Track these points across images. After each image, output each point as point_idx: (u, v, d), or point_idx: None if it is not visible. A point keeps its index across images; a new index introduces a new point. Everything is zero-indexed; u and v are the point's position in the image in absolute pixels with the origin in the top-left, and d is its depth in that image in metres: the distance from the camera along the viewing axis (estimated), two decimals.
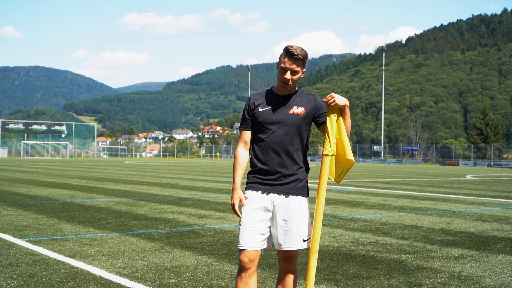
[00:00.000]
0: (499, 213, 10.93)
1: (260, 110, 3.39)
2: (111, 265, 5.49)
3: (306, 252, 6.31)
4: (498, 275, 5.34)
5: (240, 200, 3.37)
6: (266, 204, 3.34)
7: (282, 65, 3.32)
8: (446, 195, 15.49)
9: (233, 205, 3.39)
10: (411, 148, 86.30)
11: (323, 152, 3.28)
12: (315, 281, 4.94)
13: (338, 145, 3.29)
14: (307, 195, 3.44)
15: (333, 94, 3.27)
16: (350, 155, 3.25)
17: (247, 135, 3.45)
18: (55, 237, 7.13)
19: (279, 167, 3.35)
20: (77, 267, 5.38)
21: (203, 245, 6.70)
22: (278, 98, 3.42)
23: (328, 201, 12.66)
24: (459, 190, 18.12)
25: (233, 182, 3.42)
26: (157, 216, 9.55)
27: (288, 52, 3.30)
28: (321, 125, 3.42)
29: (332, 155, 3.30)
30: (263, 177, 3.37)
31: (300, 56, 3.30)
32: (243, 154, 3.45)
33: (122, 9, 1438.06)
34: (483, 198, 14.71)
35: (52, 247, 6.42)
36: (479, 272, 5.44)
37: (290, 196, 3.36)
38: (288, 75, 3.32)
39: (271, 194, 3.35)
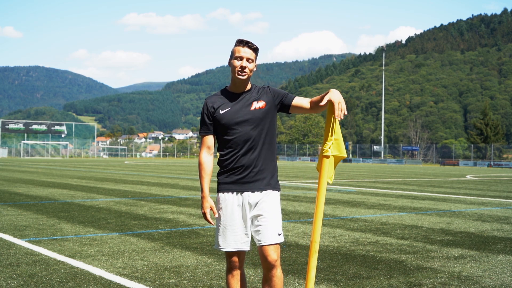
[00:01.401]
0: (499, 213, 10.93)
1: (221, 112, 3.36)
2: (111, 265, 5.49)
3: (306, 252, 6.31)
4: (498, 275, 5.33)
5: (211, 208, 3.39)
6: (241, 203, 3.35)
7: (237, 54, 3.34)
8: (446, 195, 15.49)
9: (204, 214, 3.40)
10: (411, 148, 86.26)
11: (323, 154, 3.27)
12: (315, 281, 4.94)
13: (336, 145, 3.30)
14: (279, 190, 3.45)
15: (341, 107, 3.13)
16: (344, 152, 3.31)
17: (209, 139, 3.44)
18: (55, 237, 7.14)
19: (250, 165, 3.34)
20: (77, 267, 5.38)
21: (203, 245, 6.70)
22: (236, 96, 3.40)
23: (328, 201, 12.66)
24: (459, 190, 18.12)
25: (202, 190, 3.42)
26: (157, 216, 9.55)
27: (242, 42, 3.36)
28: (290, 106, 3.39)
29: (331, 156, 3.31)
30: (235, 176, 3.36)
31: (253, 46, 3.36)
32: (207, 159, 3.44)
33: (122, 9, 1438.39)
34: (483, 198, 14.71)
35: (52, 247, 6.42)
36: (479, 272, 5.44)
37: (264, 192, 3.35)
38: (244, 62, 3.32)
39: (245, 193, 3.35)
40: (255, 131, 3.33)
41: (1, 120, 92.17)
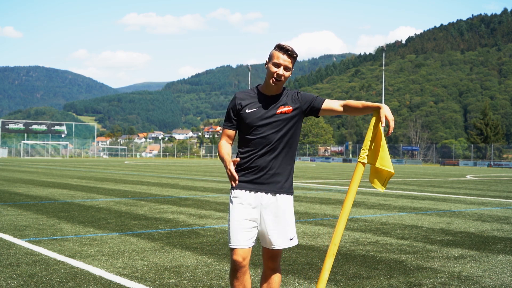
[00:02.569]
0: (499, 213, 10.93)
1: (247, 111, 3.36)
2: (111, 265, 5.49)
3: (306, 252, 6.31)
4: (498, 275, 5.33)
5: (234, 162, 3.31)
6: (254, 202, 3.34)
7: (276, 60, 3.31)
8: (446, 195, 15.49)
9: (228, 170, 3.28)
10: (411, 148, 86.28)
11: (360, 160, 3.27)
12: (315, 281, 4.93)
13: (382, 158, 3.28)
14: (292, 193, 3.46)
15: (392, 125, 3.20)
16: (391, 167, 3.27)
17: (230, 132, 3.45)
18: (55, 237, 7.14)
19: (265, 167, 3.34)
20: (77, 267, 5.38)
21: (203, 245, 6.70)
22: (266, 98, 3.39)
23: (328, 201, 12.67)
24: (459, 190, 18.12)
25: (223, 160, 3.37)
26: (157, 216, 9.55)
27: (282, 48, 3.33)
28: (320, 110, 3.39)
29: (367, 164, 3.30)
30: (251, 176, 3.35)
31: (294, 54, 3.34)
32: (226, 145, 3.43)
33: (122, 9, 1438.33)
34: (483, 198, 14.71)
35: (52, 247, 6.42)
36: (479, 272, 5.44)
37: (278, 195, 3.37)
38: (281, 71, 3.31)
39: (259, 193, 3.35)
40: (277, 134, 3.34)
41: (1, 120, 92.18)
